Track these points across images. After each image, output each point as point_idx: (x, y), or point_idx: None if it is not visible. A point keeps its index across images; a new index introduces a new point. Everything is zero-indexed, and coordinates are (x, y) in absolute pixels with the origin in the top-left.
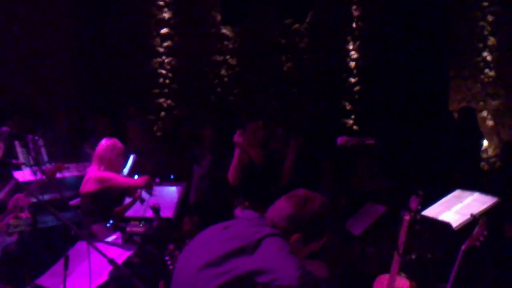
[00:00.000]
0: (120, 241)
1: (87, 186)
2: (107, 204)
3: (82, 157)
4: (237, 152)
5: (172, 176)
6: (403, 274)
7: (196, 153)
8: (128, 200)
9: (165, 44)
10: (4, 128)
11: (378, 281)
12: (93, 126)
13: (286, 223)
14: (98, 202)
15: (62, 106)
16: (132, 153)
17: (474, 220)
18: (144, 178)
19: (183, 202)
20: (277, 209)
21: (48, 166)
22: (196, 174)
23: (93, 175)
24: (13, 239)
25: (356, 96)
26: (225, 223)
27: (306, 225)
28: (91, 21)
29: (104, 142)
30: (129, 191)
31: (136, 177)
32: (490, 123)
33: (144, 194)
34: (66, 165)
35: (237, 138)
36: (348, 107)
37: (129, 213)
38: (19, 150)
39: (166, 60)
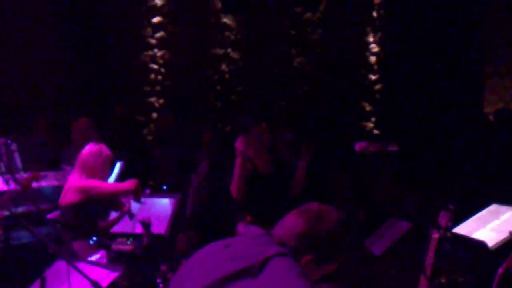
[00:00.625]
0: (105, 260)
1: (67, 197)
2: (91, 217)
3: (62, 164)
4: (238, 161)
5: (165, 187)
6: None
7: (194, 160)
8: (114, 214)
9: (158, 35)
10: None
11: None
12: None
13: (297, 242)
14: (80, 216)
15: (42, 105)
16: (119, 160)
17: None
18: (133, 182)
19: (177, 216)
20: (286, 225)
21: (22, 175)
22: (194, 183)
23: (74, 184)
24: None
25: (377, 96)
26: (226, 240)
27: (320, 245)
28: (74, 10)
29: (89, 148)
30: (116, 204)
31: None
32: None
33: (134, 208)
34: (43, 174)
35: (239, 144)
36: (368, 108)
37: (116, 228)
38: None
39: (159, 53)
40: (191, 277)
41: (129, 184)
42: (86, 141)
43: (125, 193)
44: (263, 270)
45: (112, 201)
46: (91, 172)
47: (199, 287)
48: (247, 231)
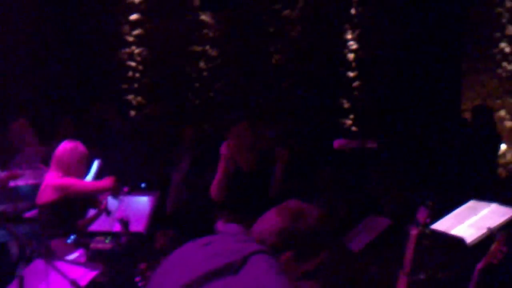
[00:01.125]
0: (83, 259)
1: (45, 195)
2: (69, 216)
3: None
4: (222, 164)
5: (143, 185)
6: None
7: (173, 158)
8: (92, 212)
9: (135, 32)
10: None
11: None
12: (54, 127)
13: (276, 239)
14: (58, 214)
15: (18, 104)
16: (96, 158)
17: (491, 235)
18: (111, 179)
19: (155, 214)
20: (266, 223)
21: (0, 174)
22: (174, 182)
23: (51, 182)
24: None
25: (355, 93)
26: (206, 238)
27: (300, 242)
28: (52, 7)
29: (63, 145)
30: (93, 201)
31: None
32: (508, 123)
33: (111, 204)
34: (20, 172)
35: (224, 149)
36: (346, 105)
37: (94, 227)
38: None
39: (136, 51)
40: (170, 276)
41: (107, 182)
42: (23, 142)
43: (103, 191)
44: (243, 268)
45: (90, 199)
46: (67, 169)
47: (179, 286)
48: (226, 228)
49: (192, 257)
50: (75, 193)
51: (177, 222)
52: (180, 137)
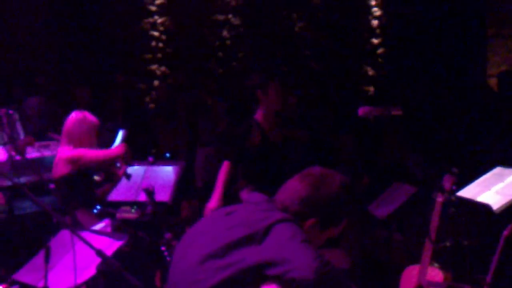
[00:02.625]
0: (109, 229)
1: (58, 169)
2: (86, 187)
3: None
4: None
5: (167, 155)
6: (436, 264)
7: (201, 128)
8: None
9: (158, 1)
10: None
11: (406, 272)
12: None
13: (300, 206)
14: (75, 186)
15: (42, 74)
16: (121, 128)
17: None
18: (121, 147)
19: (180, 184)
20: (288, 190)
21: (20, 140)
22: (200, 155)
23: (63, 156)
24: None
25: (380, 60)
26: (229, 207)
27: (323, 209)
28: None
29: (72, 117)
30: (109, 168)
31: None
32: None
33: (134, 172)
34: (45, 143)
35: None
36: (370, 72)
37: (119, 197)
38: None
39: (159, 21)
40: (195, 245)
41: (118, 149)
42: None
43: (115, 158)
44: (266, 236)
45: (105, 167)
46: (78, 140)
47: (204, 255)
48: (249, 197)
49: (216, 226)
50: (87, 163)
51: (205, 192)
52: (206, 109)
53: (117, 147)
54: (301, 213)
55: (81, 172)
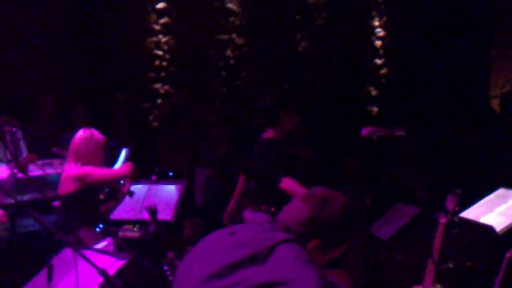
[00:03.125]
0: (111, 248)
1: (65, 187)
2: (91, 204)
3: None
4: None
5: (170, 174)
6: (438, 286)
7: (202, 149)
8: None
9: (162, 21)
10: None
11: None
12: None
13: (303, 227)
14: (80, 204)
15: (44, 92)
16: (124, 147)
17: None
18: (128, 166)
19: (183, 203)
20: (291, 211)
21: (21, 158)
22: (199, 176)
23: (69, 173)
24: None
25: (383, 80)
26: (232, 227)
27: (326, 230)
28: None
29: (79, 134)
30: (114, 186)
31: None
32: None
33: (137, 190)
34: (48, 161)
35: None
36: (374, 92)
37: (122, 215)
38: None
39: (163, 40)
40: (198, 265)
41: (124, 168)
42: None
43: (121, 177)
44: (270, 257)
45: (110, 185)
46: (84, 158)
47: (207, 275)
48: (253, 217)
49: (219, 246)
50: (93, 181)
51: (204, 212)
52: (207, 130)
53: (123, 166)
54: (304, 234)
55: (87, 190)
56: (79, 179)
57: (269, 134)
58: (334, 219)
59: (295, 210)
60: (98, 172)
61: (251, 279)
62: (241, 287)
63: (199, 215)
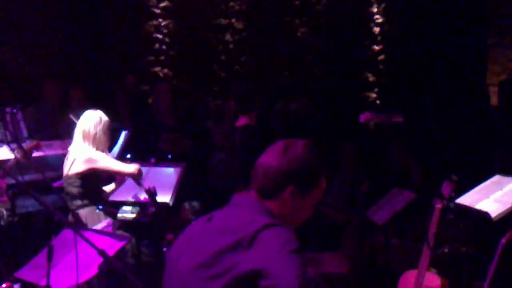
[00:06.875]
0: (110, 229)
1: (73, 167)
2: (95, 186)
3: (64, 128)
4: None
5: (169, 156)
6: (433, 270)
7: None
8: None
9: (162, 4)
10: None
11: (404, 277)
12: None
13: (274, 178)
14: (84, 185)
15: (46, 75)
16: (124, 129)
17: None
18: (136, 167)
19: (181, 185)
20: (260, 169)
21: (28, 144)
22: (214, 159)
23: (80, 155)
24: None
25: (381, 66)
26: (217, 212)
27: (295, 173)
28: None
29: (86, 116)
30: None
31: (128, 156)
32: None
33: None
34: (48, 142)
35: None
36: (371, 78)
37: (121, 197)
38: None
39: (163, 23)
40: (186, 254)
41: (132, 169)
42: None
43: (127, 175)
44: (254, 242)
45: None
46: (93, 139)
47: (195, 264)
48: (233, 200)
49: (205, 233)
50: (102, 169)
51: (202, 194)
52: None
53: (132, 166)
54: (278, 186)
55: (93, 173)
56: (92, 162)
57: (242, 121)
58: (300, 160)
59: (263, 166)
60: (110, 163)
61: (238, 266)
62: (230, 275)
63: (198, 198)
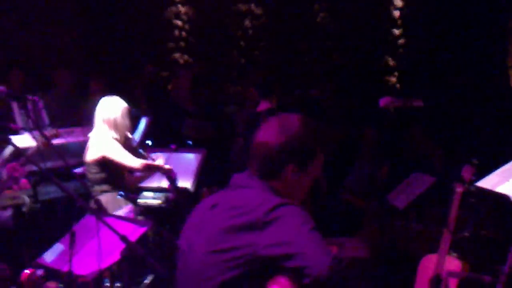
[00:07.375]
0: (132, 215)
1: (91, 153)
2: (116, 172)
3: (84, 115)
4: None
5: (190, 142)
6: (454, 254)
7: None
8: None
9: None
10: (1, 88)
11: (424, 261)
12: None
13: (274, 159)
14: (105, 171)
15: (65, 62)
16: (144, 116)
17: None
18: (143, 164)
19: (202, 171)
20: (258, 150)
21: (49, 131)
22: (235, 146)
23: (99, 141)
24: (9, 214)
25: (400, 50)
26: (210, 198)
27: (293, 150)
28: None
29: (105, 102)
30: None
31: (149, 143)
32: None
33: (153, 155)
34: (69, 129)
35: None
36: (391, 63)
37: (142, 182)
38: (17, 112)
39: (182, 10)
40: (199, 239)
41: (138, 164)
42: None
43: (136, 170)
44: (270, 224)
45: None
46: (114, 124)
47: (210, 249)
48: (233, 180)
49: (214, 217)
50: (110, 159)
51: (223, 180)
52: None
53: (138, 161)
54: (278, 165)
55: (110, 160)
56: (101, 150)
57: (264, 105)
58: (298, 137)
59: (261, 147)
60: (117, 154)
61: (255, 248)
62: (247, 258)
63: (218, 184)
